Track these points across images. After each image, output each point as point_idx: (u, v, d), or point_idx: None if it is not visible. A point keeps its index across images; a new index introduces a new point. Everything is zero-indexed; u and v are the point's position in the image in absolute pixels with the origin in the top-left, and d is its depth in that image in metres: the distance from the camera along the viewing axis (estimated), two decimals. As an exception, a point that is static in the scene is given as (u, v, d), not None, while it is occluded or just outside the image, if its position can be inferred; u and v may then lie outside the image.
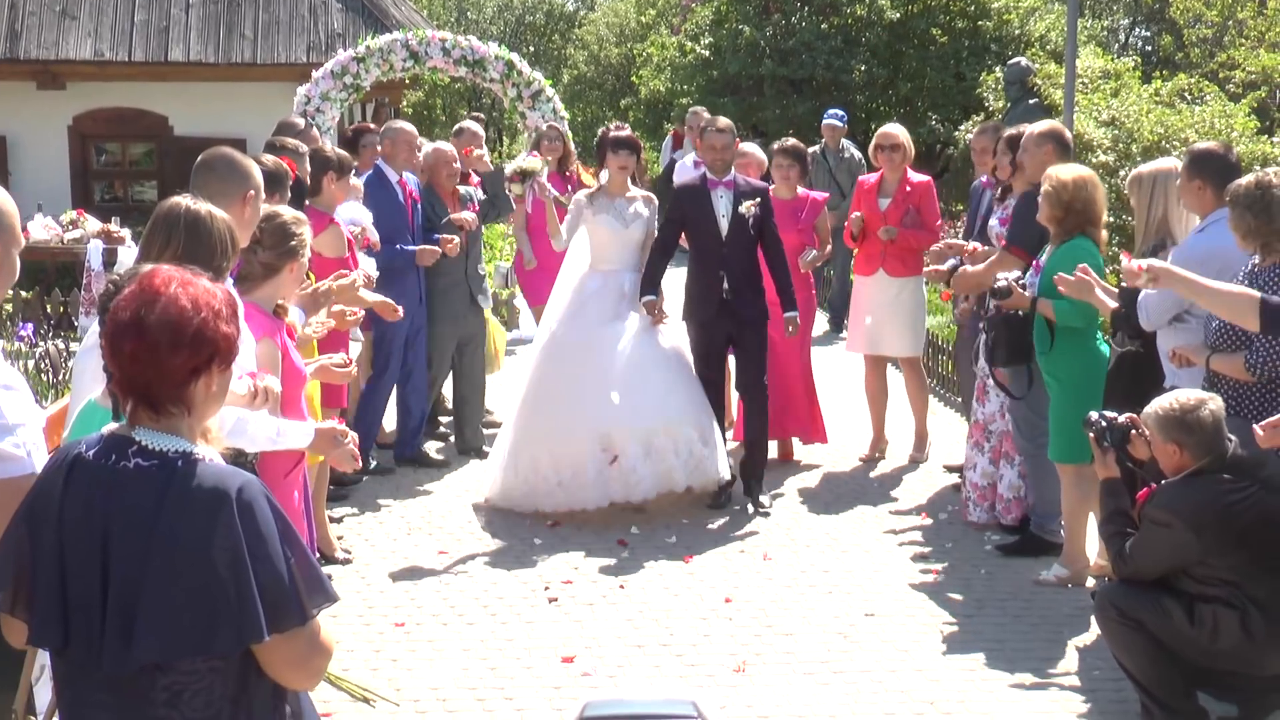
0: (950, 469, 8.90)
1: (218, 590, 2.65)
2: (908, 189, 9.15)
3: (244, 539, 2.68)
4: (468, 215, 9.05)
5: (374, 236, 8.52)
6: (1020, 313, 6.80)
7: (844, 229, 9.49)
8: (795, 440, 9.28)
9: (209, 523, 2.67)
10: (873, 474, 9.09)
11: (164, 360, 2.72)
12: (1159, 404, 5.26)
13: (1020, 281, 6.75)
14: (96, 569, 2.69)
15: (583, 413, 7.88)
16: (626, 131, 8.73)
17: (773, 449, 8.81)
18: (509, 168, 9.10)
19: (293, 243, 5.07)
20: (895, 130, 9.37)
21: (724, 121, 8.56)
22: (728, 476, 8.15)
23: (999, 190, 8.03)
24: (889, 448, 9.44)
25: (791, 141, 9.34)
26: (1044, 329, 6.78)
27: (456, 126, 10.51)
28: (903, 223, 9.06)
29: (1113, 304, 6.34)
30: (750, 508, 8.15)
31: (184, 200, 4.13)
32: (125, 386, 2.78)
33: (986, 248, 7.95)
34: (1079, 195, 6.68)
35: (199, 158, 4.90)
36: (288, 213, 5.18)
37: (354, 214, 8.35)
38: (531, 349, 8.52)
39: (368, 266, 8.26)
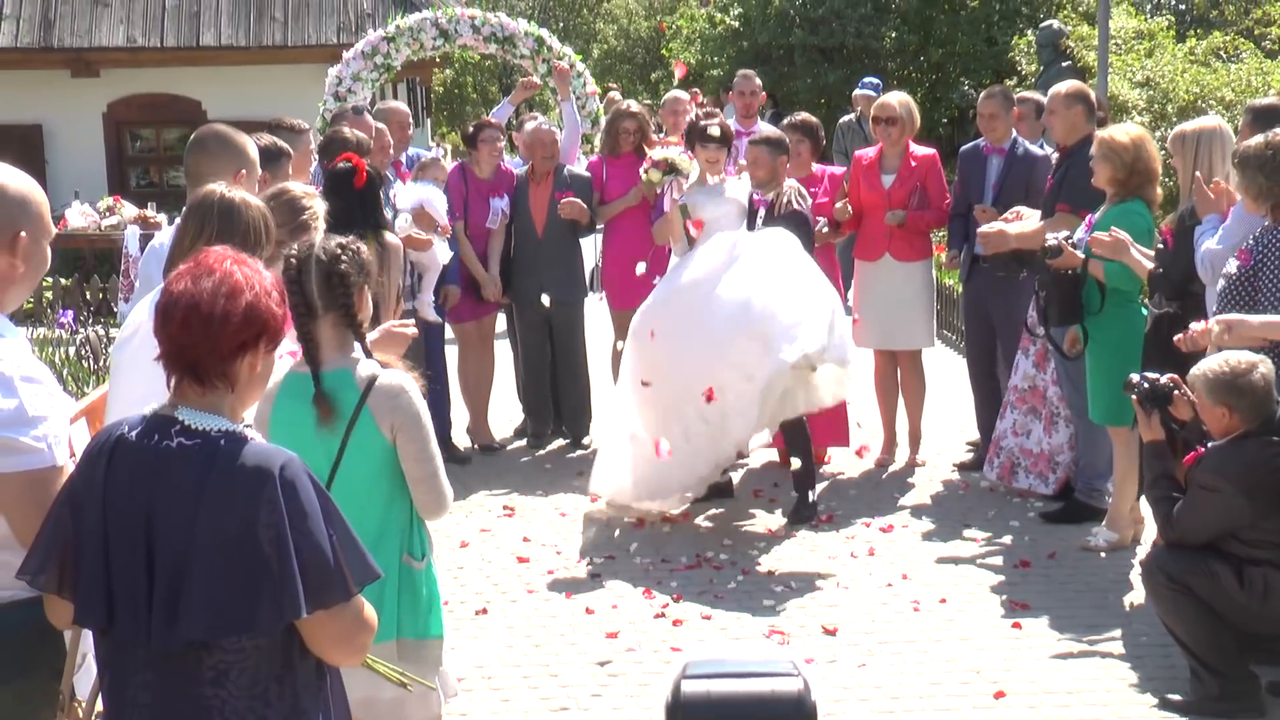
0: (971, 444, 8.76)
1: (260, 568, 2.67)
2: (912, 164, 8.35)
3: (287, 516, 2.70)
4: (501, 205, 8.82)
5: (442, 220, 8.25)
6: (1071, 272, 6.72)
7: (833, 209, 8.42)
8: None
9: (253, 501, 2.69)
10: (905, 449, 8.81)
11: (215, 330, 2.74)
12: (1208, 366, 5.18)
13: (1070, 241, 6.67)
14: (140, 549, 2.71)
15: (688, 358, 7.24)
16: (717, 120, 8.02)
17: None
18: (655, 153, 8.14)
19: (304, 216, 4.94)
20: (892, 101, 8.48)
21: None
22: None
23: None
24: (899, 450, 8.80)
25: (801, 116, 8.76)
26: (1094, 290, 6.71)
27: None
28: (909, 203, 8.26)
29: (1148, 264, 6.29)
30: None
31: (218, 188, 4.12)
32: (172, 359, 2.79)
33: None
34: (1140, 155, 6.63)
35: (192, 135, 4.87)
36: (296, 188, 5.07)
37: (424, 194, 8.21)
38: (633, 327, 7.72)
39: (440, 250, 8.22)
